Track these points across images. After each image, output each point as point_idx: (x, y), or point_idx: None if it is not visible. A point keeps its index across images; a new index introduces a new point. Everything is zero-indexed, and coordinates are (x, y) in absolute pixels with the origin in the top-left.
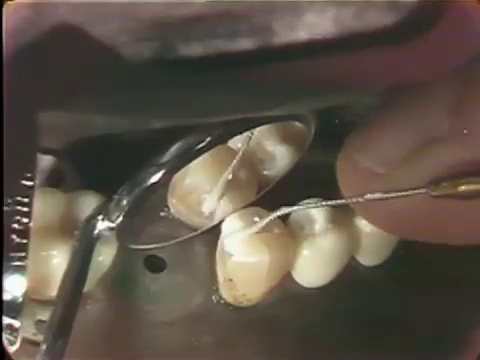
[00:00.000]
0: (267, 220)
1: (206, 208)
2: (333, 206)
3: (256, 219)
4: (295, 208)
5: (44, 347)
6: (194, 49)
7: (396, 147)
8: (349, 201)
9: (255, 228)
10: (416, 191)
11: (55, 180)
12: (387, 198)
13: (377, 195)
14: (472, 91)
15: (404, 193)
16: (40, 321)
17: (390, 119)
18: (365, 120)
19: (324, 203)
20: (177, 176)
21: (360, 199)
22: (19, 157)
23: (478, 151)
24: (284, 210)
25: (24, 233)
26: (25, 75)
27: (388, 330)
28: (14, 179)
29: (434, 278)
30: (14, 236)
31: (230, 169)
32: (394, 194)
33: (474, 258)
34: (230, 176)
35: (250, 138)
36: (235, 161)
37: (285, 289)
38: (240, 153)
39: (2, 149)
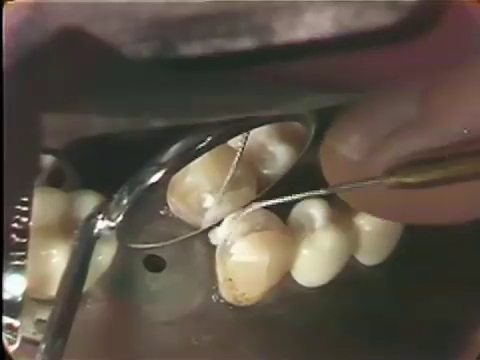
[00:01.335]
0: (248, 210)
1: (206, 207)
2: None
3: (255, 219)
4: (276, 201)
5: (43, 346)
6: (194, 49)
7: (368, 134)
8: (320, 192)
9: (238, 216)
10: (371, 182)
11: (55, 180)
12: (347, 190)
13: (323, 191)
14: (439, 84)
15: (361, 184)
16: (40, 320)
17: (363, 109)
18: (343, 111)
19: (306, 194)
20: (177, 175)
21: (323, 191)
22: (20, 158)
23: (438, 139)
24: (264, 203)
25: (24, 232)
26: (25, 75)
27: (388, 330)
28: (16, 181)
29: (434, 278)
30: (14, 235)
31: (231, 171)
32: (350, 186)
33: (474, 258)
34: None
35: (247, 138)
36: (234, 163)
37: (285, 289)
38: (237, 156)
39: (2, 150)
